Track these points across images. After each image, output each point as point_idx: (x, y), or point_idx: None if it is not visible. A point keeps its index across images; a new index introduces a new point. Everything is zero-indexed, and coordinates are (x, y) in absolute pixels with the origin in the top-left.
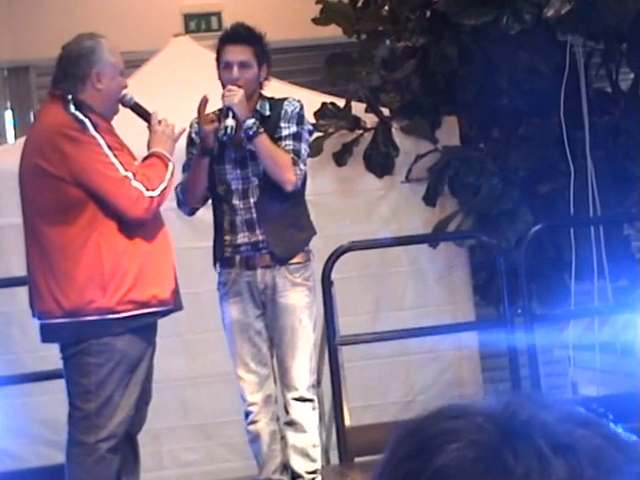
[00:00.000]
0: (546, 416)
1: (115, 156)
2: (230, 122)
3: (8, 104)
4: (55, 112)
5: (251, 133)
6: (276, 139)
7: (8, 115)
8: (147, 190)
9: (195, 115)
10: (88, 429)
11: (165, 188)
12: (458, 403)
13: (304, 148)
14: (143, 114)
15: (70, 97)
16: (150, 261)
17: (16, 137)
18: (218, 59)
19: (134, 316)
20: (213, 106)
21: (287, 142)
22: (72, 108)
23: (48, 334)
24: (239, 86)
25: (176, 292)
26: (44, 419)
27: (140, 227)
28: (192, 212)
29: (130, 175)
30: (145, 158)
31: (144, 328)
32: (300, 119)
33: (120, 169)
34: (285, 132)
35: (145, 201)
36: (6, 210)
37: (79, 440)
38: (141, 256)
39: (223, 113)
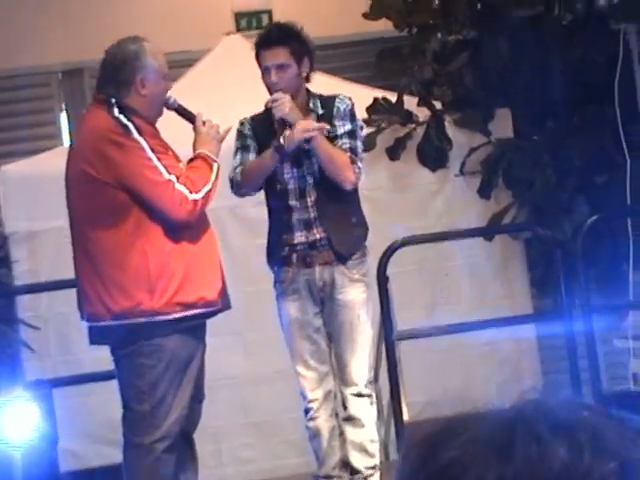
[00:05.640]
0: (550, 406)
1: (159, 159)
2: (288, 133)
3: (63, 106)
4: (99, 116)
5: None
6: (331, 137)
7: (63, 118)
8: (191, 193)
9: (247, 114)
10: (143, 430)
11: (210, 190)
12: (471, 411)
13: (359, 145)
14: (187, 116)
15: (114, 101)
16: (196, 262)
17: (71, 140)
18: (258, 63)
19: (182, 318)
20: (259, 107)
21: (343, 140)
22: (116, 112)
23: (97, 336)
24: (282, 90)
25: (223, 292)
26: (104, 418)
27: (186, 229)
28: (243, 195)
29: (174, 178)
30: (190, 160)
31: (193, 328)
32: (352, 116)
33: (164, 172)
34: (340, 130)
35: (189, 204)
36: (64, 212)
37: (135, 442)
38: (187, 258)
39: (279, 125)
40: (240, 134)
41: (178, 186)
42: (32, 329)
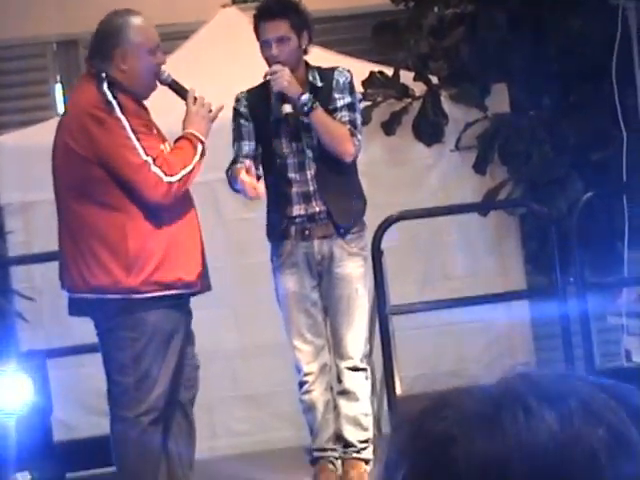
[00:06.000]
0: (539, 377)
1: (138, 139)
2: (288, 108)
3: (58, 78)
4: (88, 90)
5: (306, 109)
6: (330, 110)
7: (58, 89)
8: (166, 175)
9: (242, 87)
10: (128, 404)
11: (190, 172)
12: (460, 386)
13: (359, 118)
14: (180, 92)
15: (104, 75)
16: (176, 244)
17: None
18: (257, 35)
19: (159, 297)
20: (255, 81)
21: (343, 113)
22: (104, 87)
23: (75, 308)
24: (282, 63)
25: (203, 274)
26: (97, 389)
27: (167, 209)
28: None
29: (150, 160)
30: (176, 140)
31: (174, 305)
32: (352, 89)
33: (141, 153)
34: (340, 103)
35: (163, 186)
36: None
37: (120, 416)
38: (167, 239)
39: (277, 99)
40: (236, 113)
41: (154, 168)
42: (26, 300)
